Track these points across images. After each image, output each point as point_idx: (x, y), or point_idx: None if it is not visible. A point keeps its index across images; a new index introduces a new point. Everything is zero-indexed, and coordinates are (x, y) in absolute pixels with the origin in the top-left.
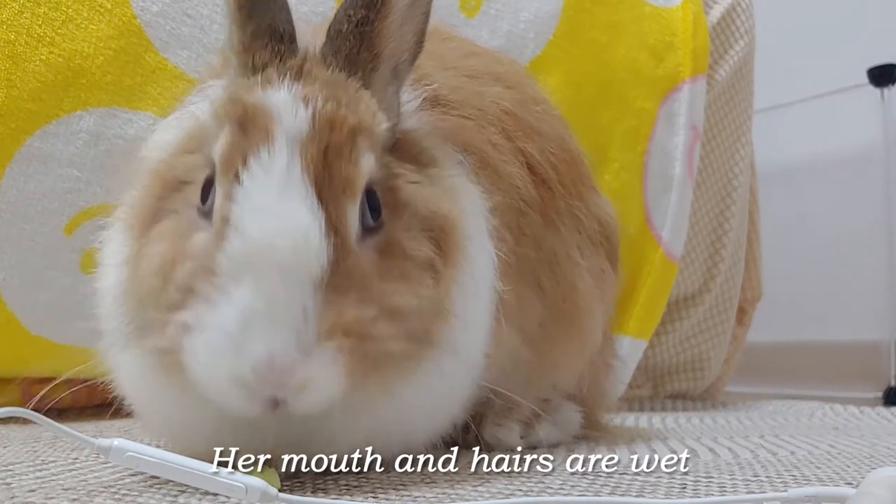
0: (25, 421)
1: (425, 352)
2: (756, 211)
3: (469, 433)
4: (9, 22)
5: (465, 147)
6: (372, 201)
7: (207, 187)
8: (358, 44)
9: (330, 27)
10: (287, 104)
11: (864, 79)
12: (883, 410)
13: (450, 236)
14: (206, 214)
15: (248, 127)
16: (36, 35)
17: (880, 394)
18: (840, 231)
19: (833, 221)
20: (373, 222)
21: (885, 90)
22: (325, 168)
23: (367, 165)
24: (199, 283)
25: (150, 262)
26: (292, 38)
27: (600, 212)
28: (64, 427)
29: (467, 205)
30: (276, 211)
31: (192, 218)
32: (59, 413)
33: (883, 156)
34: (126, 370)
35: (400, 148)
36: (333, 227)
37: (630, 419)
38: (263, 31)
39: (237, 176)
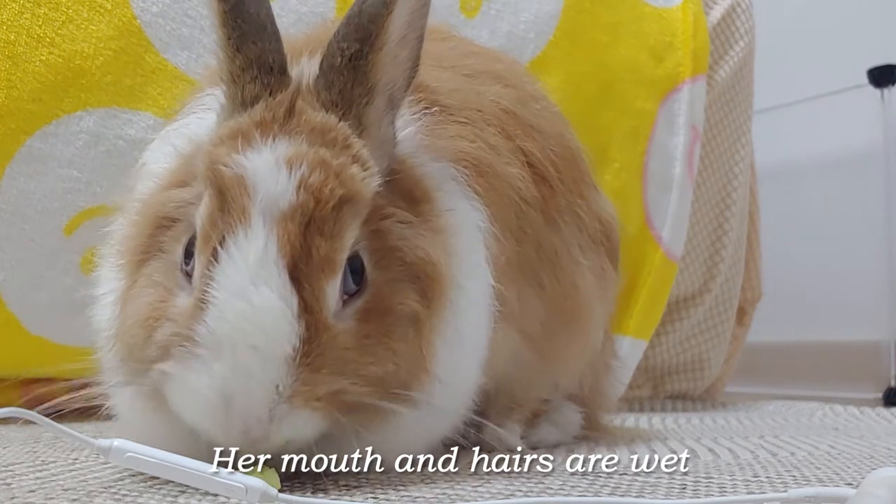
0: (25, 421)
1: (399, 405)
2: (756, 211)
3: (469, 433)
4: (9, 22)
5: (461, 158)
6: (355, 265)
7: (190, 247)
8: (352, 78)
9: (323, 60)
10: (268, 171)
11: (864, 79)
12: (883, 411)
13: (436, 284)
14: (187, 276)
15: (226, 198)
16: (36, 35)
17: (880, 394)
18: (840, 231)
19: (833, 222)
20: (355, 287)
21: (885, 91)
22: (304, 246)
23: (350, 237)
24: (176, 347)
25: (137, 310)
26: (283, 70)
27: (601, 211)
28: (64, 427)
29: (460, 243)
30: (249, 296)
31: (176, 272)
32: (59, 413)
33: (883, 156)
34: (122, 408)
35: (392, 179)
36: (308, 307)
37: (630, 420)
38: (252, 64)
39: (215, 253)
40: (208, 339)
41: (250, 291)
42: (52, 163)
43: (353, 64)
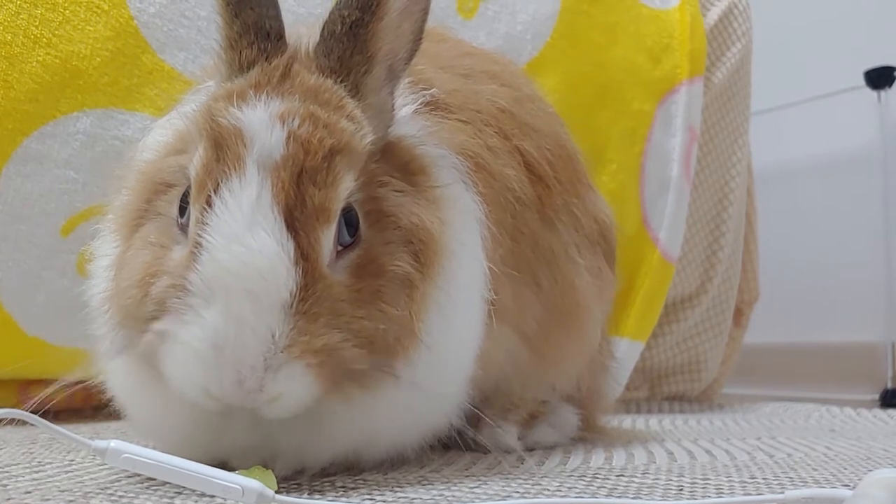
0: (22, 422)
1: (392, 369)
2: (753, 212)
3: (466, 434)
4: (6, 23)
5: (462, 150)
6: (350, 218)
7: (185, 200)
8: (351, 46)
9: (323, 27)
10: (262, 125)
11: (861, 81)
12: (879, 412)
13: (429, 249)
14: (183, 228)
15: (221, 148)
16: (33, 36)
17: (877, 396)
18: (837, 233)
19: (830, 223)
20: (350, 239)
21: (882, 92)
22: (298, 195)
23: (344, 188)
24: (172, 298)
25: (132, 271)
26: (280, 36)
27: (597, 211)
28: (60, 429)
29: (454, 216)
30: (245, 240)
31: (172, 228)
32: (56, 415)
33: (880, 157)
34: (116, 375)
35: (390, 153)
36: (304, 254)
37: (627, 421)
38: (250, 29)
39: (209, 201)
40: (200, 286)
41: (245, 235)
42: (49, 163)
43: (353, 32)
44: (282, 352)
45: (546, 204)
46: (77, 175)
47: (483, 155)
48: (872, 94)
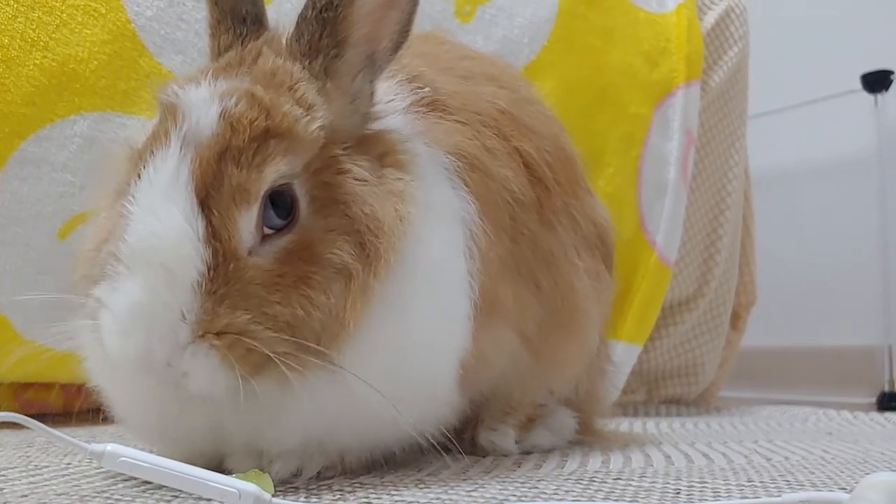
0: (18, 426)
1: (319, 359)
2: (750, 216)
3: (464, 437)
4: (2, 26)
5: (455, 150)
6: (282, 200)
7: None
8: (320, 29)
9: (300, 13)
10: (200, 102)
11: (858, 84)
12: (876, 415)
13: (377, 242)
14: None
15: (160, 124)
16: (30, 39)
17: (874, 399)
18: (834, 236)
19: (827, 227)
20: (281, 222)
21: (879, 96)
22: (217, 173)
23: (272, 170)
24: (107, 265)
25: (95, 235)
26: (257, 20)
27: (595, 214)
28: (57, 432)
29: (423, 213)
30: (158, 214)
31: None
32: (52, 418)
33: (876, 161)
34: (84, 344)
35: (368, 143)
36: (216, 235)
37: (624, 424)
38: (227, 14)
39: (140, 174)
40: (126, 255)
41: (160, 210)
42: (46, 167)
43: (322, 16)
44: (187, 329)
45: (545, 205)
46: (74, 178)
47: (480, 156)
48: (869, 97)
